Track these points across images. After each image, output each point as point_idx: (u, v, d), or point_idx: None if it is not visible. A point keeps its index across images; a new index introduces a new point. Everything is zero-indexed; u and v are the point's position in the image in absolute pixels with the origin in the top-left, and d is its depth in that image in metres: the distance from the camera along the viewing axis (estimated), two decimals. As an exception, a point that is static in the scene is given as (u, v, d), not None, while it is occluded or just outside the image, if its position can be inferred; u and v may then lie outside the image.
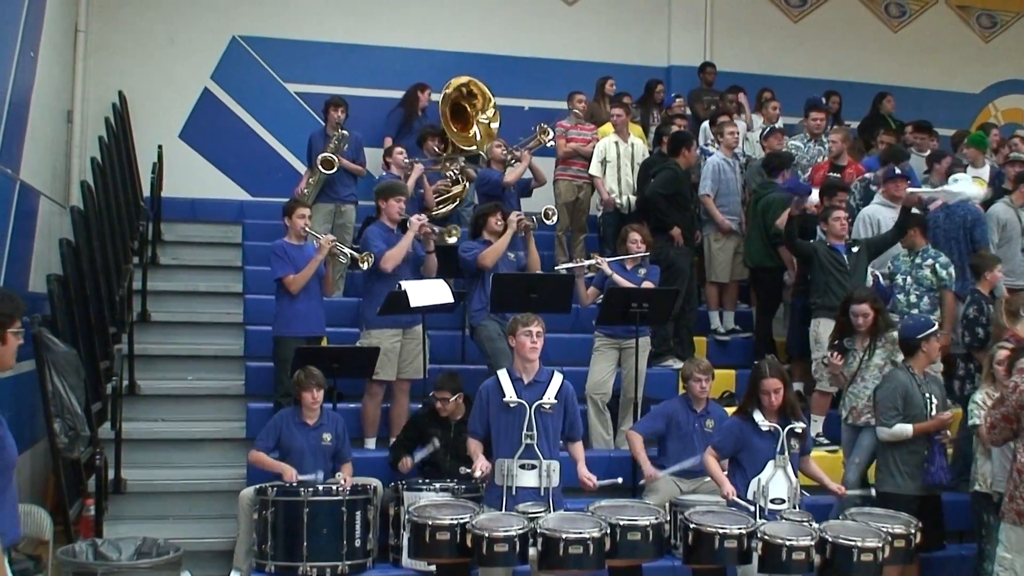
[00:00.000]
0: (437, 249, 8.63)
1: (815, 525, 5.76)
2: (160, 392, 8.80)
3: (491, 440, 6.22)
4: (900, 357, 7.37)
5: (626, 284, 8.35)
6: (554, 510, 5.90)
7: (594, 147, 10.61)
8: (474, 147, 11.39)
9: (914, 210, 9.01)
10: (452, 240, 8.34)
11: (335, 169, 10.00)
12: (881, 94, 13.03)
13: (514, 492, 6.00)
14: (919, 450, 6.95)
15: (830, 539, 5.58)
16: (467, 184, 10.38)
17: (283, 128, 12.39)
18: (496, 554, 5.46)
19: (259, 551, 6.62)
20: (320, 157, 9.94)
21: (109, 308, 8.87)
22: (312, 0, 12.58)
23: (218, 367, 9.22)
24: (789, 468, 6.23)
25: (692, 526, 5.66)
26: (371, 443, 8.13)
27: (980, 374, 8.34)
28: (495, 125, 11.63)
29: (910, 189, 9.24)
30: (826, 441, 8.37)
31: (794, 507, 6.15)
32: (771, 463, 6.22)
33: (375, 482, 7.10)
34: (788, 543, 5.50)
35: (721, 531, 5.58)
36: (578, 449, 6.37)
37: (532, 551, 5.47)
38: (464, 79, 11.71)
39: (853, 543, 5.53)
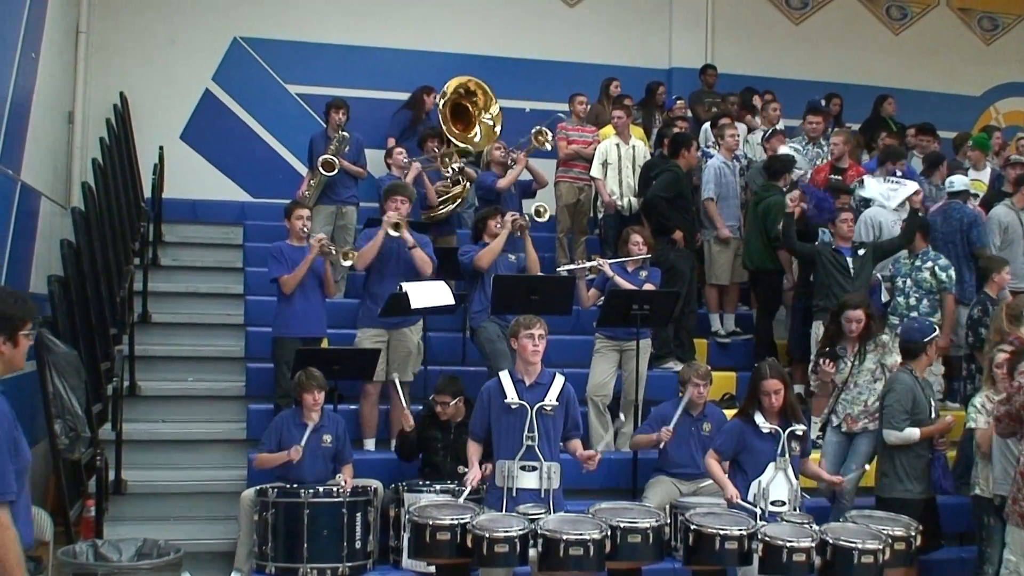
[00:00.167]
0: (438, 251, 8.63)
1: (816, 527, 5.76)
2: (161, 393, 8.80)
3: (492, 441, 6.22)
4: (890, 361, 7.37)
5: (627, 286, 8.35)
6: (554, 511, 5.89)
7: (595, 149, 10.61)
8: (468, 147, 11.30)
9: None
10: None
11: (336, 171, 9.99)
12: (882, 96, 13.04)
13: (514, 493, 6.00)
14: (924, 454, 6.94)
15: (831, 541, 5.58)
16: (467, 184, 10.36)
17: (284, 129, 12.40)
18: (496, 555, 5.45)
19: (260, 552, 6.62)
20: (321, 159, 9.93)
21: (110, 309, 8.88)
22: (313, 1, 12.60)
23: (219, 368, 9.22)
24: (790, 470, 6.23)
25: (693, 528, 5.65)
26: (370, 444, 8.13)
27: (981, 375, 8.35)
28: (497, 128, 11.59)
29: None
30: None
31: (795, 509, 6.15)
32: (772, 465, 6.21)
33: (375, 483, 7.10)
34: (789, 545, 5.49)
35: (722, 532, 5.57)
36: (576, 444, 6.38)
37: (532, 552, 5.46)
38: (462, 79, 11.62)
39: (853, 545, 5.52)
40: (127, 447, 7.83)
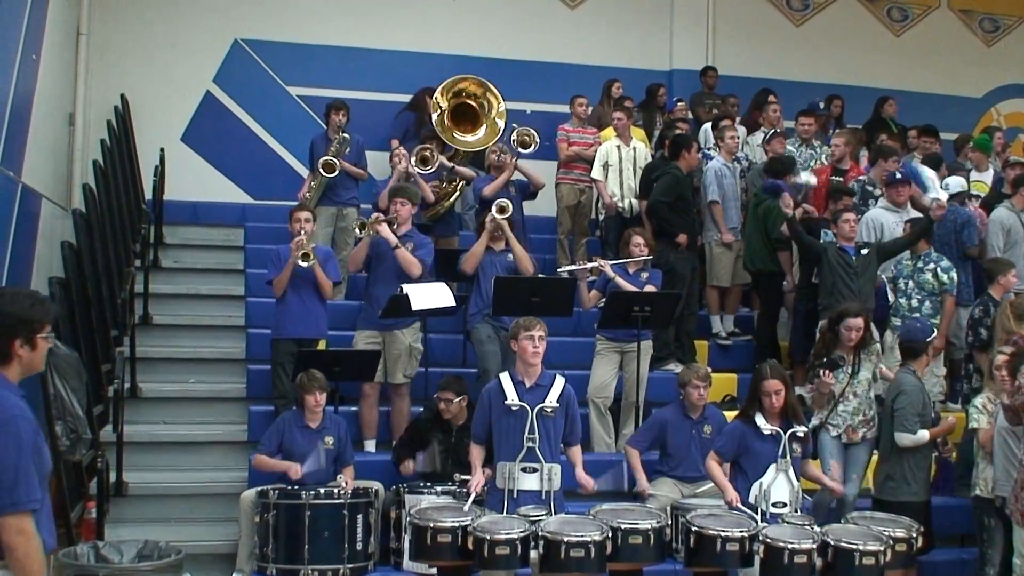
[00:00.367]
0: (440, 252, 8.63)
1: (817, 529, 5.76)
2: (162, 395, 8.79)
3: (493, 443, 6.22)
4: (884, 367, 7.35)
5: (628, 288, 8.35)
6: (555, 513, 5.89)
7: (596, 151, 10.61)
8: (459, 146, 11.11)
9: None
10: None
11: (336, 173, 9.98)
12: (883, 98, 13.05)
13: (515, 495, 6.00)
14: (928, 455, 6.95)
15: (832, 543, 5.58)
16: (459, 182, 10.28)
17: (285, 131, 12.41)
18: (497, 557, 5.45)
19: (261, 554, 6.63)
20: (321, 161, 9.92)
21: (111, 311, 8.87)
22: (314, 3, 12.61)
23: (219, 370, 9.22)
24: (791, 472, 6.22)
25: (694, 529, 5.65)
26: (371, 446, 8.14)
27: (979, 375, 8.36)
28: (501, 123, 11.33)
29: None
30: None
31: (796, 511, 6.15)
32: (773, 467, 6.21)
33: (376, 485, 7.11)
34: (790, 546, 5.49)
35: (723, 534, 5.57)
36: (576, 453, 6.37)
37: (533, 554, 5.46)
38: (457, 83, 10.47)
39: (855, 547, 5.52)
40: (128, 449, 7.82)
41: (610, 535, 5.48)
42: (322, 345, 8.24)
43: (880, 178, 9.79)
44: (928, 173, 10.01)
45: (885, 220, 9.21)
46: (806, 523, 5.85)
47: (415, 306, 7.83)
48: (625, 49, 13.46)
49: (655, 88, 12.65)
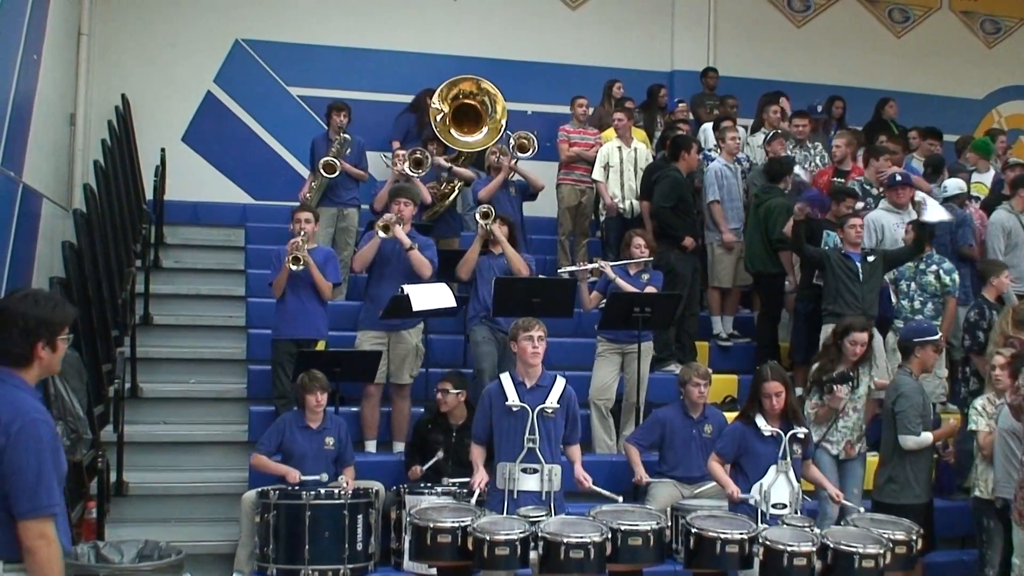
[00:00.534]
0: (441, 253, 8.63)
1: (817, 531, 5.76)
2: (162, 395, 8.79)
3: (493, 444, 6.22)
4: (877, 378, 7.34)
5: (629, 289, 8.34)
6: (555, 514, 5.89)
7: (597, 152, 10.61)
8: (459, 147, 11.10)
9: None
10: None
11: (337, 173, 9.98)
12: (884, 99, 13.04)
13: (515, 496, 6.00)
14: (929, 457, 6.94)
15: (831, 545, 5.57)
16: (456, 182, 10.28)
17: (286, 131, 12.41)
18: (497, 557, 5.45)
19: (261, 554, 6.63)
20: (322, 161, 9.93)
21: (111, 311, 8.87)
22: (315, 3, 12.62)
23: (220, 370, 9.22)
24: (791, 473, 6.21)
25: (693, 531, 5.65)
26: (372, 446, 8.13)
27: (976, 378, 8.37)
28: (503, 121, 11.29)
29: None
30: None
31: (796, 512, 6.14)
32: (773, 468, 6.19)
33: (377, 485, 7.11)
34: (789, 549, 5.49)
35: (723, 536, 5.57)
36: (575, 451, 6.38)
37: (533, 555, 5.46)
38: (457, 85, 10.53)
39: (854, 549, 5.51)
40: (128, 449, 7.82)
41: (610, 536, 5.48)
42: (322, 346, 8.24)
43: (875, 178, 9.79)
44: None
45: (886, 222, 9.21)
46: (806, 525, 5.85)
47: (416, 307, 7.83)
48: (626, 50, 13.47)
49: (656, 89, 12.64)
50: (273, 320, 8.17)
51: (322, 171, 9.91)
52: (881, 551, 5.54)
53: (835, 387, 7.02)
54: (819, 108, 12.31)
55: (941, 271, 8.68)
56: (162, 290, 10.08)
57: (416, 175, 9.58)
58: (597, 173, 10.45)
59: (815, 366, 7.38)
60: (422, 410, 7.86)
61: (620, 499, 6.57)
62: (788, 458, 6.21)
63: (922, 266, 8.75)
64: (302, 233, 7.96)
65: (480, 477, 6.16)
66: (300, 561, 6.52)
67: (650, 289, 8.43)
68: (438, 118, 10.10)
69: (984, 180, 10.73)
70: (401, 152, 9.90)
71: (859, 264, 8.49)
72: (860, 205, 9.30)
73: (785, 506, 6.13)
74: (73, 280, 8.01)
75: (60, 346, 3.92)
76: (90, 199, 9.29)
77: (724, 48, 13.88)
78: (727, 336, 10.07)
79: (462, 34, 12.95)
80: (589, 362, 8.51)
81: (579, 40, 13.37)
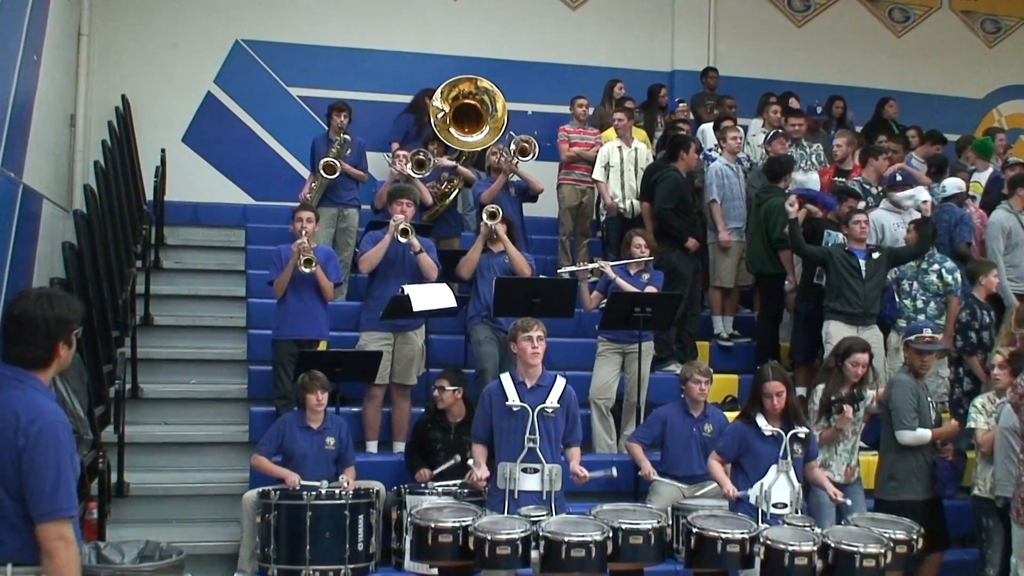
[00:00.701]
0: (441, 254, 8.64)
1: (817, 530, 5.76)
2: (163, 396, 8.79)
3: (493, 444, 6.22)
4: (873, 392, 7.33)
5: (630, 289, 8.35)
6: (556, 513, 5.89)
7: (597, 152, 10.61)
8: (459, 147, 11.06)
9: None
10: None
11: (337, 174, 9.98)
12: (884, 99, 13.05)
13: (516, 495, 6.00)
14: (930, 454, 6.94)
15: (832, 545, 5.58)
16: (456, 181, 10.27)
17: (286, 132, 12.41)
18: (498, 557, 5.45)
19: (262, 554, 6.63)
20: (322, 162, 9.92)
21: (112, 312, 8.87)
22: (315, 4, 12.61)
23: (221, 371, 9.22)
24: (792, 473, 6.21)
25: (694, 530, 5.65)
26: (373, 447, 8.13)
27: (969, 379, 8.37)
28: (504, 120, 11.22)
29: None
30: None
31: (796, 511, 6.15)
32: (774, 468, 6.19)
33: (378, 485, 7.11)
34: (790, 548, 5.49)
35: (723, 535, 5.57)
36: (574, 453, 6.35)
37: (534, 554, 5.46)
38: (456, 85, 10.43)
39: (855, 549, 5.52)
40: (129, 449, 7.82)
41: (611, 535, 5.48)
42: (323, 346, 8.24)
43: (874, 178, 9.79)
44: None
45: (886, 221, 9.21)
46: (807, 524, 5.85)
47: (416, 307, 7.83)
48: (626, 50, 13.47)
49: (656, 89, 12.64)
50: (274, 320, 8.16)
51: (322, 172, 9.91)
52: (882, 551, 5.55)
53: (844, 407, 6.85)
54: (819, 110, 12.31)
55: (943, 270, 8.68)
56: (162, 291, 10.07)
57: (419, 176, 9.58)
58: (597, 173, 10.45)
59: (819, 388, 7.15)
60: (422, 410, 7.85)
61: (615, 472, 6.61)
62: (789, 458, 6.21)
63: (924, 265, 8.74)
64: (304, 233, 7.95)
65: (483, 473, 6.16)
66: (301, 561, 6.52)
67: (651, 289, 8.43)
68: (439, 117, 10.09)
69: (982, 180, 10.73)
70: (402, 152, 9.90)
71: (862, 261, 8.49)
72: (861, 205, 9.29)
73: (786, 506, 6.13)
74: (73, 281, 8.01)
75: (73, 341, 3.93)
76: (90, 200, 9.29)
77: (724, 48, 13.88)
78: (728, 336, 10.07)
79: (462, 34, 12.95)
80: (589, 362, 8.51)
81: (579, 40, 13.37)
